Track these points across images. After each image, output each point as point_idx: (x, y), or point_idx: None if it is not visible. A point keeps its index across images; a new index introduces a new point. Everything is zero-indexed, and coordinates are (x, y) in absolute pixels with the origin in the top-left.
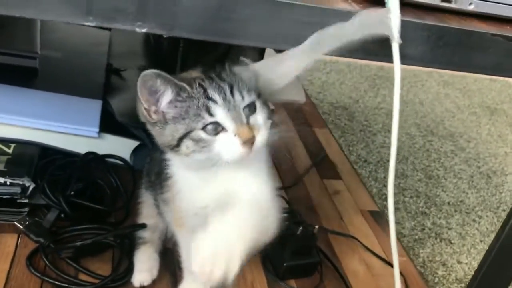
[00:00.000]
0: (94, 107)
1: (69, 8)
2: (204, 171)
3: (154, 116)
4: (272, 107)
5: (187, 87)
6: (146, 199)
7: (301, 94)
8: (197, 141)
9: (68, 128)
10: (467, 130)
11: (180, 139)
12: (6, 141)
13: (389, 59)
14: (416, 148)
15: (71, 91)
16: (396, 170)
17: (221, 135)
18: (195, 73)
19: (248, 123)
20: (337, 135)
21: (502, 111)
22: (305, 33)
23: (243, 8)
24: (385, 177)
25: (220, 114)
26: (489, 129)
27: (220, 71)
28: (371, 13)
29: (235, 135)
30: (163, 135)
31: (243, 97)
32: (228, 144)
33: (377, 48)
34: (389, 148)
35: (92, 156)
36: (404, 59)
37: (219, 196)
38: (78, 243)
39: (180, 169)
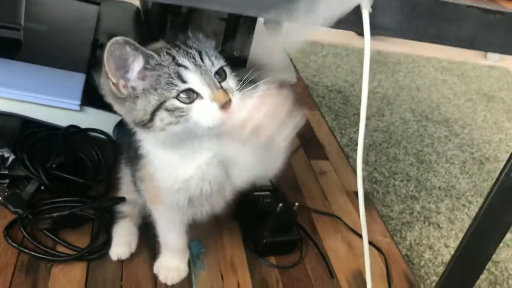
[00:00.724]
0: (77, 80)
1: None
2: (182, 148)
3: (123, 90)
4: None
5: (155, 55)
6: (124, 174)
7: (292, 73)
8: (172, 111)
9: (50, 100)
10: (462, 116)
11: (153, 112)
12: None
13: (360, 28)
14: (410, 133)
15: (55, 64)
16: (388, 154)
17: (197, 102)
18: (159, 44)
19: (221, 87)
20: (330, 118)
21: (499, 98)
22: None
23: None
24: (377, 161)
25: (193, 79)
26: (485, 116)
27: (185, 39)
28: None
29: (211, 101)
30: (135, 111)
31: (212, 63)
32: (205, 110)
33: (347, 15)
34: (382, 132)
35: (74, 130)
36: (376, 29)
37: (204, 166)
38: (55, 215)
39: (155, 148)
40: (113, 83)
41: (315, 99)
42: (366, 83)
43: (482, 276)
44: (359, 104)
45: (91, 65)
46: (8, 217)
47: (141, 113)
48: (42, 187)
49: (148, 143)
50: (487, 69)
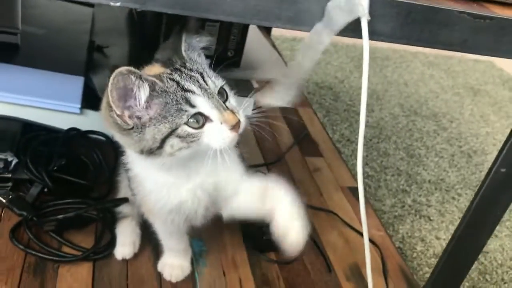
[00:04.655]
0: (76, 83)
1: None
2: (176, 171)
3: (129, 121)
4: (255, 85)
5: (159, 82)
6: (123, 178)
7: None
8: (184, 137)
9: (50, 104)
10: (450, 110)
11: (163, 140)
12: None
13: (359, 34)
14: (399, 128)
15: (52, 68)
16: (379, 149)
17: (207, 126)
18: (156, 69)
19: (227, 108)
20: (321, 115)
21: (485, 92)
22: (274, 10)
23: None
24: (368, 156)
25: (201, 103)
26: (472, 110)
27: (183, 62)
28: None
29: (221, 123)
30: (143, 140)
31: (214, 83)
32: (217, 133)
33: (348, 24)
34: (372, 127)
35: (74, 132)
36: (374, 35)
37: (198, 191)
38: (60, 216)
39: (147, 171)
40: (117, 115)
41: (306, 96)
42: (365, 88)
43: (473, 266)
44: (350, 100)
45: (88, 67)
46: (13, 219)
47: (150, 142)
48: (45, 190)
49: (138, 166)
50: (473, 63)
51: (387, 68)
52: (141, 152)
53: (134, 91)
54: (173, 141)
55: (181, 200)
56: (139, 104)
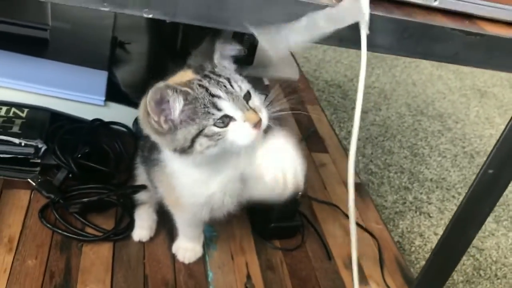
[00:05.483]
0: (100, 77)
1: None
2: (208, 166)
3: (164, 125)
4: (266, 82)
5: (190, 91)
6: (140, 172)
7: (294, 71)
8: (211, 136)
9: (77, 96)
10: (456, 111)
11: (193, 139)
12: (20, 106)
13: (358, 46)
14: (405, 127)
15: (79, 62)
16: (383, 147)
17: (231, 125)
18: (187, 75)
19: (250, 108)
20: (329, 112)
21: (492, 94)
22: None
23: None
24: (372, 153)
25: (227, 107)
26: (478, 111)
27: (212, 68)
28: (343, 4)
29: (244, 121)
30: (176, 140)
31: (240, 87)
32: (240, 131)
33: (349, 36)
34: (378, 126)
35: (98, 123)
36: (373, 47)
37: (226, 181)
38: (85, 200)
39: (183, 168)
40: (154, 121)
41: (315, 93)
42: (360, 94)
43: (468, 262)
44: None
45: (111, 62)
46: (41, 201)
47: (182, 141)
48: (70, 175)
49: (175, 163)
50: None
51: (396, 67)
52: (175, 150)
53: (170, 102)
54: (201, 140)
55: (211, 194)
56: (174, 113)
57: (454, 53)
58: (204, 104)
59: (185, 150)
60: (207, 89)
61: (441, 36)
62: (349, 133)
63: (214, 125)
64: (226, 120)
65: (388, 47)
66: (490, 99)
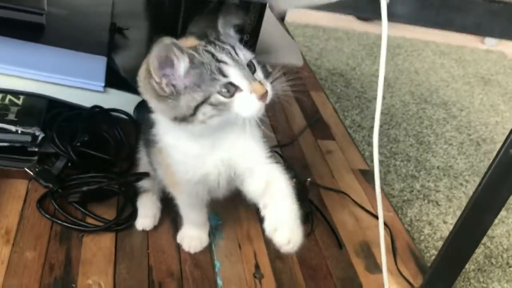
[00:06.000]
0: (99, 62)
1: None
2: (205, 139)
3: (166, 89)
4: (270, 69)
5: (196, 54)
6: (143, 155)
7: (299, 57)
8: (216, 105)
9: (75, 81)
10: (460, 99)
11: (197, 107)
12: (16, 93)
13: (378, 15)
14: (410, 115)
15: (76, 48)
16: (389, 135)
17: (238, 95)
18: (190, 41)
19: (255, 79)
20: (332, 101)
21: (496, 81)
22: None
23: None
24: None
25: (233, 73)
26: (482, 99)
27: (217, 35)
28: None
29: (251, 93)
30: (178, 107)
31: (245, 56)
32: (246, 102)
33: (366, 5)
34: (383, 114)
35: (97, 110)
36: (392, 17)
37: (220, 163)
38: (85, 188)
39: (177, 141)
40: (156, 82)
41: (318, 81)
42: (382, 72)
43: (478, 250)
44: (361, 87)
45: (110, 48)
46: (39, 191)
47: (184, 109)
48: (69, 164)
49: (169, 136)
50: (484, 53)
51: (399, 56)
52: (175, 119)
53: (174, 62)
54: (205, 109)
55: (206, 172)
56: (177, 74)
57: (476, 23)
58: (211, 70)
59: (186, 118)
60: (213, 55)
61: (463, 5)
62: (354, 121)
63: (220, 94)
64: (232, 89)
65: (407, 17)
66: (494, 87)
